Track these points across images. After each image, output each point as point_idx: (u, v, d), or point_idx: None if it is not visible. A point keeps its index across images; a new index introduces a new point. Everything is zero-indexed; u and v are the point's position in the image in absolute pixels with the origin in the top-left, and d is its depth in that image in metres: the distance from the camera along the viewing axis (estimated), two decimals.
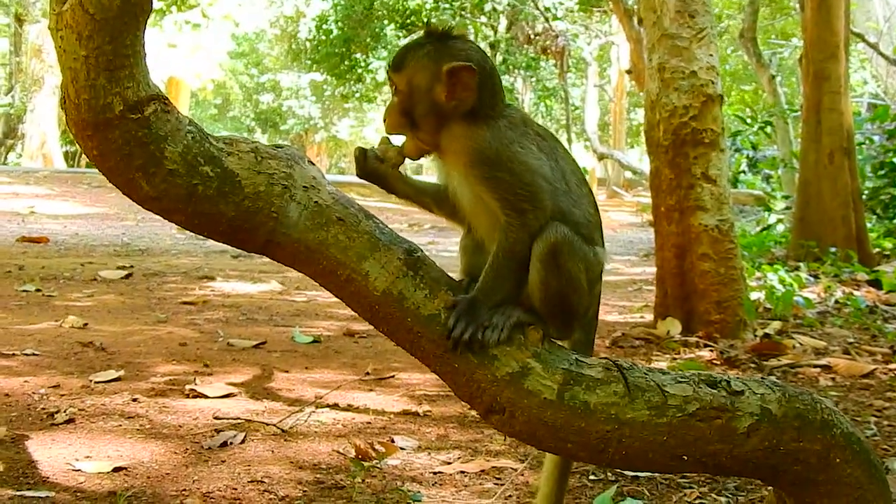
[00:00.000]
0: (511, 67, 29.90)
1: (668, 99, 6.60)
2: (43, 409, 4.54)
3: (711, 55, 6.64)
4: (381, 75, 33.87)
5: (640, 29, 14.16)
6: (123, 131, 1.98)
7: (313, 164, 2.20)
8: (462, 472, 3.82)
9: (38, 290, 8.30)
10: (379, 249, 2.16)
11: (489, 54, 23.33)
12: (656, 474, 3.73)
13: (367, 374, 5.49)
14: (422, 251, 2.23)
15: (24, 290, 8.29)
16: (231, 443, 4.10)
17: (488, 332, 2.20)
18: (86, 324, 6.66)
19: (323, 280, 2.17)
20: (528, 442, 2.28)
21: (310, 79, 47.16)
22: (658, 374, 2.30)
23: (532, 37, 30.59)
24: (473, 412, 4.37)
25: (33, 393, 4.80)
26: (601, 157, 32.12)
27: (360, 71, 33.50)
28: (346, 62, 33.56)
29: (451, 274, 2.32)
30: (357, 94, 36.01)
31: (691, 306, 6.61)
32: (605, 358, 2.32)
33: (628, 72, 19.83)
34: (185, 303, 7.94)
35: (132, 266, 10.12)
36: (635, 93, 31.49)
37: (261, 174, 2.09)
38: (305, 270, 2.16)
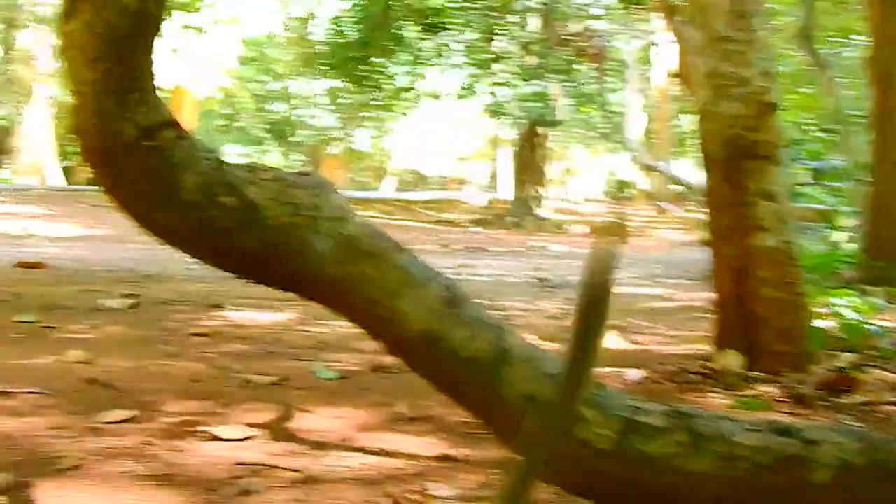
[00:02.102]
0: (545, 72, 29.89)
1: (721, 108, 6.55)
2: (48, 453, 4.55)
3: (767, 59, 6.59)
4: (402, 81, 33.92)
5: (687, 29, 14.13)
6: (136, 159, 2.00)
7: (340, 193, 2.21)
8: None
9: (37, 322, 8.34)
10: (414, 286, 2.15)
11: (521, 56, 23.27)
12: None
13: (398, 413, 5.48)
14: (460, 288, 2.23)
15: (22, 322, 8.32)
16: (252, 491, 4.10)
17: None
18: (90, 358, 6.68)
19: (353, 317, 2.18)
20: (581, 496, 2.27)
21: (325, 86, 47.27)
22: (726, 422, 2.27)
23: (567, 38, 30.59)
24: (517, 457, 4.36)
25: (36, 435, 4.82)
26: (647, 169, 32.05)
27: (378, 77, 33.53)
28: (364, 68, 33.57)
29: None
30: (376, 102, 36.05)
31: (753, 336, 6.49)
32: (666, 404, 2.31)
33: (676, 75, 19.80)
34: (196, 334, 7.95)
35: (138, 294, 10.15)
36: (682, 98, 31.42)
37: (284, 204, 2.10)
38: (333, 308, 2.17)
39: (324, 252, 2.09)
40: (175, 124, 1.99)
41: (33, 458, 4.54)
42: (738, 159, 6.48)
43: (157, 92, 2.00)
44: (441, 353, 2.11)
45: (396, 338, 2.11)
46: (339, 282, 2.10)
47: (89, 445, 4.70)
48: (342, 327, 8.55)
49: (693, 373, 6.41)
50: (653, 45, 35.14)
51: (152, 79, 2.00)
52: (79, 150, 2.02)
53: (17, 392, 5.75)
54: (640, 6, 30.63)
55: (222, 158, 2.04)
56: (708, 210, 6.89)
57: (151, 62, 1.99)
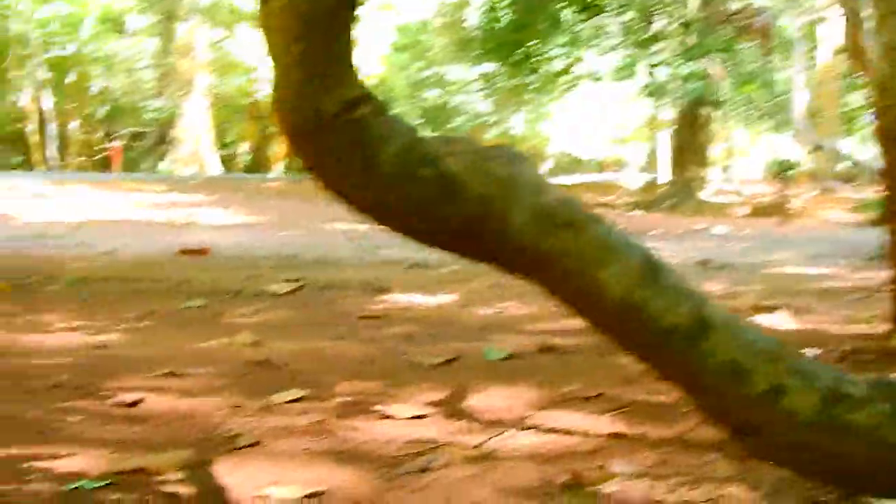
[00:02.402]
0: (706, 51, 29.45)
1: None
2: (225, 431, 4.69)
3: None
4: (558, 64, 33.70)
5: (862, 3, 13.79)
6: (337, 135, 2.03)
7: (536, 165, 2.22)
8: (688, 501, 3.79)
9: (205, 306, 8.57)
10: (613, 256, 2.15)
11: (681, 36, 22.91)
12: None
13: (570, 392, 5.50)
14: (659, 258, 2.22)
15: (191, 307, 8.57)
16: (429, 467, 4.16)
17: None
18: (259, 341, 6.85)
19: (551, 288, 2.18)
20: (782, 465, 2.27)
21: (479, 71, 47.30)
22: None
23: (729, 16, 30.08)
24: (694, 434, 4.38)
25: (213, 414, 4.96)
26: (814, 149, 31.38)
27: (534, 60, 33.36)
28: (520, 51, 33.44)
29: None
30: (532, 86, 35.88)
31: None
32: (873, 374, 2.28)
33: (843, 51, 19.37)
34: (362, 317, 8.08)
35: (301, 279, 10.34)
36: (849, 75, 30.66)
37: (482, 176, 2.11)
38: (532, 279, 2.18)
39: (522, 224, 2.09)
40: (374, 99, 2.02)
41: (211, 437, 4.67)
42: None
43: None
44: (640, 323, 2.10)
45: (595, 308, 2.11)
46: (538, 253, 2.10)
47: (265, 424, 4.83)
48: (507, 310, 8.63)
49: (869, 352, 6.27)
50: (819, 20, 34.35)
51: (352, 55, 2.04)
52: (278, 128, 2.07)
53: (192, 373, 5.92)
54: None
55: (420, 132, 2.07)
56: (884, 188, 6.72)
57: (351, 38, 2.02)
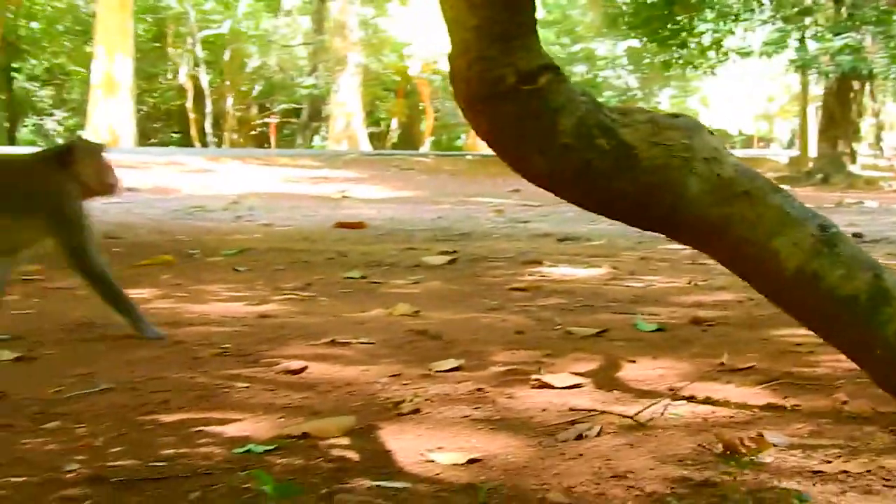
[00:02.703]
0: (858, 24, 28.78)
1: None
2: (387, 398, 4.74)
3: None
4: (708, 39, 33.21)
5: None
6: (516, 104, 2.03)
7: (713, 134, 2.19)
8: (845, 471, 3.73)
9: (363, 277, 8.68)
10: (790, 225, 2.12)
11: (833, 8, 22.40)
12: None
13: (722, 364, 5.44)
14: (837, 227, 2.18)
15: (349, 278, 8.69)
16: (586, 435, 4.16)
17: None
18: (416, 311, 6.91)
19: (725, 258, 2.16)
20: None
21: (627, 46, 46.88)
22: None
23: None
24: (849, 406, 4.31)
25: (374, 382, 5.03)
26: None
27: (683, 35, 32.96)
28: (669, 26, 33.07)
29: None
30: (680, 61, 35.41)
31: None
32: None
33: None
34: (515, 289, 8.10)
35: (455, 251, 10.40)
36: None
37: (658, 146, 2.09)
38: (706, 249, 2.16)
39: (699, 193, 2.06)
40: (554, 68, 2.01)
41: (373, 403, 4.73)
42: None
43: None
44: (817, 292, 2.06)
45: (770, 277, 2.08)
46: (714, 222, 2.07)
47: (425, 391, 4.86)
48: (657, 282, 8.57)
49: None
50: None
51: (534, 22, 2.02)
52: (456, 98, 2.07)
53: (354, 342, 6.00)
54: None
55: (598, 102, 2.06)
56: None
57: (535, 6, 2.01)
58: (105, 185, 6.12)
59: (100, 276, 6.06)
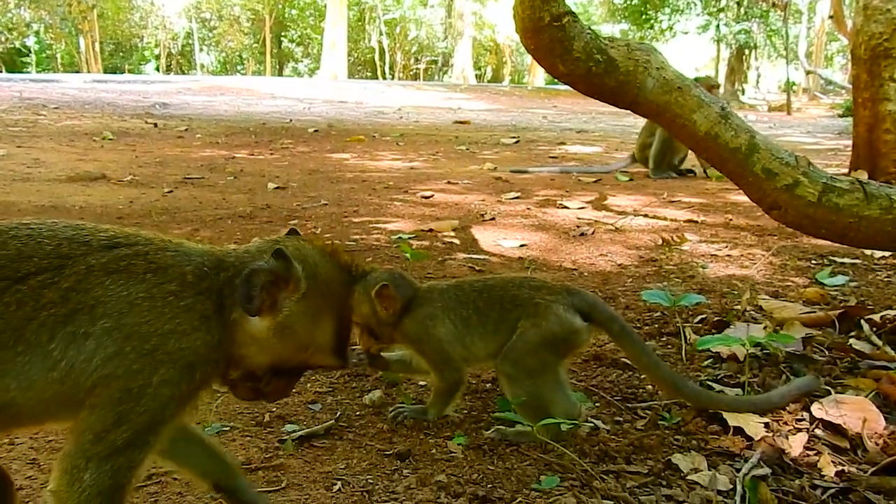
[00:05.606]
0: (749, 17, 27.08)
1: (869, 28, 5.66)
2: (477, 211, 4.69)
3: None
4: (665, 24, 31.14)
5: None
6: (549, 34, 1.91)
7: (661, 54, 2.06)
8: (728, 255, 3.62)
9: (467, 149, 8.54)
10: (703, 106, 1.98)
11: (735, 7, 20.68)
12: (858, 258, 3.40)
13: (664, 197, 5.28)
14: (730, 108, 2.04)
15: (460, 148, 8.56)
16: (586, 234, 4.08)
17: None
18: (495, 168, 6.79)
19: (666, 124, 2.05)
20: (795, 228, 2.09)
21: (619, 29, 44.61)
22: (886, 187, 2.03)
23: None
24: (734, 220, 4.12)
25: (471, 203, 4.97)
26: (808, 73, 28.77)
27: (651, 22, 31.07)
28: (643, 17, 31.12)
29: None
30: (648, 37, 33.63)
31: (875, 163, 5.73)
32: (850, 178, 2.07)
33: (830, 17, 17.52)
34: (551, 157, 7.93)
35: (518, 137, 10.18)
36: (832, 32, 27.81)
37: (630, 59, 1.96)
38: (656, 119, 2.04)
39: (652, 87, 1.94)
40: (572, 13, 1.90)
41: (469, 214, 4.67)
42: (877, 58, 5.46)
43: None
44: (717, 145, 1.96)
45: (691, 136, 1.98)
46: (660, 104, 1.96)
47: (498, 209, 4.77)
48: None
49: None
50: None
51: None
52: (515, 29, 1.96)
53: (460, 182, 5.92)
54: None
55: (596, 32, 1.94)
56: (853, 90, 5.98)
57: None
58: None
59: None
